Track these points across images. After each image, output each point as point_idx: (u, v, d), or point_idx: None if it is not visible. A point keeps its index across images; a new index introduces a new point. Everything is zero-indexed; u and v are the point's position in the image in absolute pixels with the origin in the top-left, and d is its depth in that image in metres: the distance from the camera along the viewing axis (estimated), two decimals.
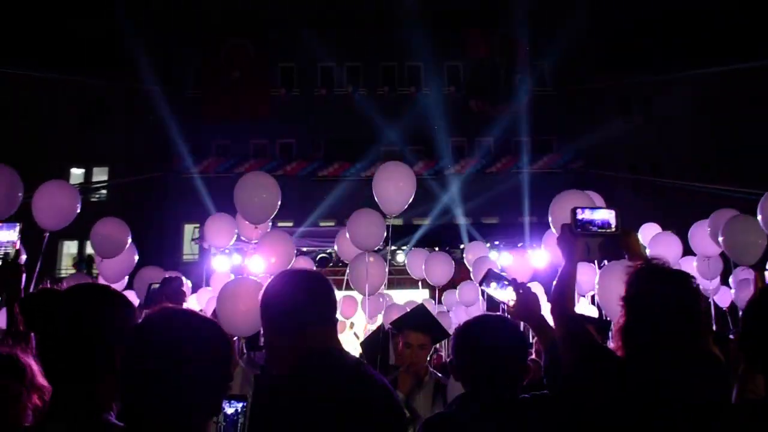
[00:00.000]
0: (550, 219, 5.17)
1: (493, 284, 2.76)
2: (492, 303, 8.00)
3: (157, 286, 5.02)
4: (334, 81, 25.84)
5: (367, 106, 23.46)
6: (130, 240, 6.21)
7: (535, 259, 8.58)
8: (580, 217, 2.56)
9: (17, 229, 2.92)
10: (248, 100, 24.37)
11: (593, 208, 2.61)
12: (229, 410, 1.59)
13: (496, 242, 15.60)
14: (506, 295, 2.70)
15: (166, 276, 5.34)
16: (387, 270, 6.70)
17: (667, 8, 24.28)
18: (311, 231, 13.06)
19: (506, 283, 2.72)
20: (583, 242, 2.56)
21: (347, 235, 6.37)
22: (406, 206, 6.09)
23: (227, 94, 24.21)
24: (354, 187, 20.37)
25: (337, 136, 24.09)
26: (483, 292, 4.70)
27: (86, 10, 23.69)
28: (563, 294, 2.39)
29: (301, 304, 1.92)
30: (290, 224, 17.38)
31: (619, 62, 24.73)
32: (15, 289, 2.78)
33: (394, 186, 6.02)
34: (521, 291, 2.63)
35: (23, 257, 2.90)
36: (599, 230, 2.54)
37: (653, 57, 23.82)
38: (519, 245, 14.06)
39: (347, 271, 6.60)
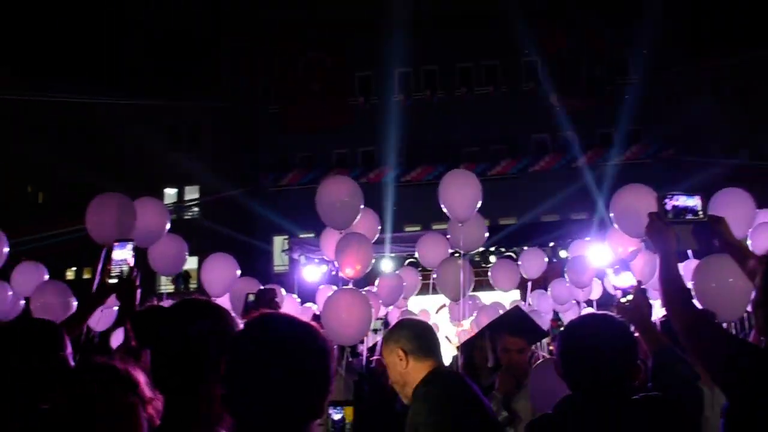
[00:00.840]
0: (611, 215, 4.98)
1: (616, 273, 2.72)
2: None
3: (253, 297, 5.16)
4: (411, 86, 25.91)
5: (446, 109, 23.43)
6: (239, 273, 6.31)
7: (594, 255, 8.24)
8: (669, 204, 2.45)
9: (130, 246, 3.04)
10: (328, 110, 24.84)
11: (679, 194, 2.47)
12: (336, 416, 1.61)
13: (587, 238, 15.16)
14: (624, 281, 2.65)
15: (262, 288, 5.47)
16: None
17: None
18: (396, 237, 13.08)
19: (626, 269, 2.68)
20: (673, 230, 2.45)
21: (449, 236, 6.22)
22: (474, 211, 5.97)
23: (307, 107, 24.72)
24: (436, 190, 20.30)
25: (417, 141, 24.09)
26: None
27: (164, 38, 24.77)
28: (679, 288, 2.25)
29: None
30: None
31: (708, 44, 23.66)
32: (130, 306, 2.89)
33: (460, 193, 5.92)
34: (639, 292, 2.56)
35: (136, 274, 3.02)
36: (688, 217, 2.43)
37: (743, 36, 22.67)
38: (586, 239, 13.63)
39: (433, 275, 6.51)
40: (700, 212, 2.42)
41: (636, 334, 2.47)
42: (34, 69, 24.82)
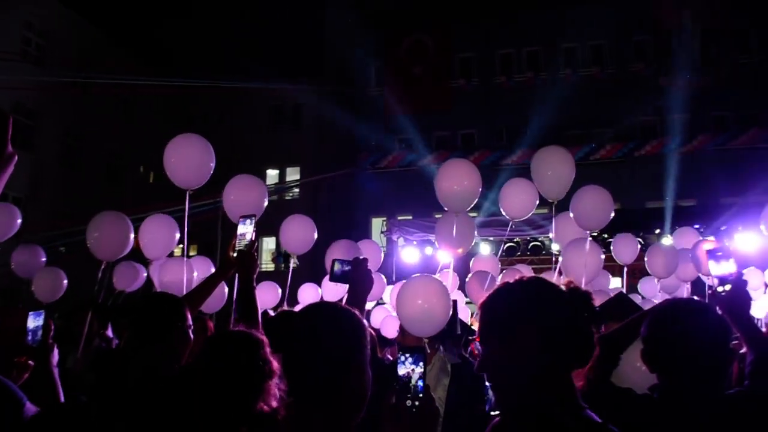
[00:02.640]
0: None
1: (714, 261, 2.60)
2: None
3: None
4: (513, 68, 25.42)
5: (549, 91, 22.82)
6: (315, 236, 6.62)
7: (742, 242, 7.89)
8: None
9: (252, 221, 3.18)
10: (429, 93, 24.80)
11: None
12: (402, 370, 1.62)
13: (696, 226, 14.54)
14: (724, 269, 2.54)
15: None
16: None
17: None
18: (492, 221, 12.94)
19: (727, 258, 2.55)
20: None
21: (571, 215, 6.04)
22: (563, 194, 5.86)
23: (409, 89, 24.73)
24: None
25: (519, 123, 23.63)
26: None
27: (273, 21, 25.39)
28: None
29: None
30: (475, 214, 17.40)
31: None
32: (249, 279, 3.03)
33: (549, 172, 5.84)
34: (738, 282, 2.42)
35: (256, 248, 3.18)
36: None
37: None
38: (722, 228, 13.02)
39: (559, 259, 6.33)
40: None
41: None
42: (143, 55, 26.15)
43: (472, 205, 5.88)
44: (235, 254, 3.11)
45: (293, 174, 27.49)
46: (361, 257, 2.84)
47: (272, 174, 27.31)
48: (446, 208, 5.93)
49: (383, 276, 8.00)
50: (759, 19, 22.77)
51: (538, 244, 13.94)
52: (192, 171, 5.02)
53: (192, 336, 2.73)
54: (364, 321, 1.87)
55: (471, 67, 25.98)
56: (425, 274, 5.56)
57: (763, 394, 2.10)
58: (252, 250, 3.11)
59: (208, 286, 3.37)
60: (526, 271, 9.51)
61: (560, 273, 5.94)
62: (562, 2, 23.68)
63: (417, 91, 24.71)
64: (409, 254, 12.81)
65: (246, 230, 3.13)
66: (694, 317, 2.13)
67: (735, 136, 22.53)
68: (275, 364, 2.13)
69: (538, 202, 6.44)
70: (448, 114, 24.81)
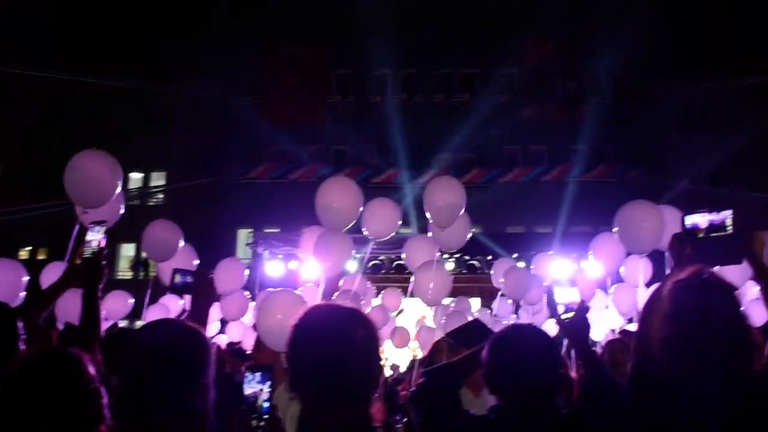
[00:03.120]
0: (615, 229, 5.16)
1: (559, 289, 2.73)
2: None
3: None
4: (388, 88, 25.91)
5: (422, 114, 23.51)
6: (182, 242, 6.20)
7: (590, 269, 8.43)
8: (687, 222, 2.49)
9: (103, 228, 3.01)
10: (305, 106, 24.74)
11: (702, 211, 2.50)
12: (249, 390, 1.60)
13: (550, 252, 15.32)
14: (568, 297, 2.66)
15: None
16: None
17: (729, 17, 23.64)
18: (357, 237, 13.05)
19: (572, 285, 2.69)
20: (694, 248, 2.46)
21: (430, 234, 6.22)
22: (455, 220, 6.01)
23: (284, 100, 24.58)
24: (407, 194, 20.39)
25: (390, 143, 24.11)
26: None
27: (147, 19, 24.44)
28: None
29: None
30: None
31: (680, 71, 24.13)
32: (92, 288, 2.82)
33: (444, 200, 5.94)
34: (581, 310, 2.58)
35: (104, 255, 2.95)
36: (710, 234, 2.43)
37: (715, 65, 23.16)
38: (573, 256, 13.82)
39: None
40: (727, 227, 2.41)
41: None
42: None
43: (350, 225, 5.87)
44: (80, 262, 2.92)
45: (158, 179, 26.47)
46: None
47: (136, 178, 26.15)
48: (325, 226, 5.89)
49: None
50: (607, 62, 24.71)
51: (402, 262, 14.20)
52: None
53: (23, 347, 2.44)
54: (208, 338, 1.80)
55: (348, 84, 26.24)
56: (288, 288, 5.51)
57: (592, 414, 2.24)
58: (99, 257, 2.92)
59: (49, 294, 3.14)
60: (396, 296, 9.70)
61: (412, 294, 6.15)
62: (440, 30, 24.53)
63: (291, 103, 24.59)
64: (273, 268, 12.64)
65: (94, 237, 2.96)
66: (527, 342, 2.26)
67: (589, 168, 24.15)
68: (97, 386, 1.88)
69: (400, 222, 6.57)
70: (322, 128, 24.84)
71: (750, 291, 6.39)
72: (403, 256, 7.72)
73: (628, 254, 6.04)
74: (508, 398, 2.20)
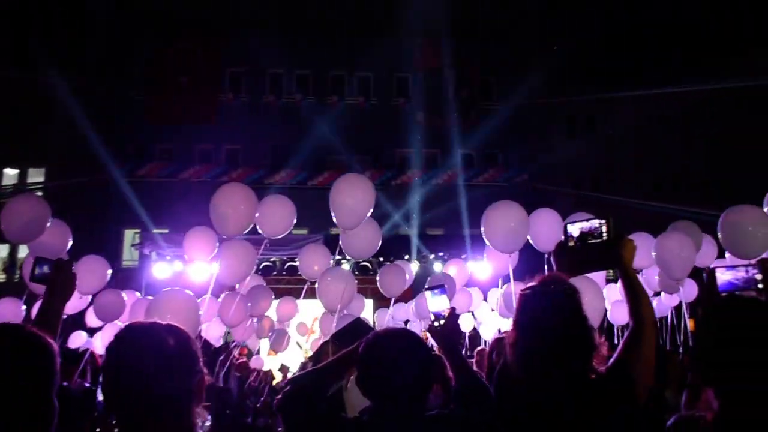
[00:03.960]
0: (482, 230, 5.31)
1: (431, 293, 2.75)
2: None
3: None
4: (282, 88, 25.62)
5: (315, 115, 23.41)
6: (49, 222, 5.56)
7: (477, 270, 8.68)
8: (569, 229, 2.56)
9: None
10: (195, 104, 24.02)
11: (582, 219, 2.57)
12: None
13: (440, 253, 15.72)
14: (440, 305, 2.71)
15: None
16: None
17: (613, 30, 24.99)
18: (250, 238, 12.85)
19: (441, 293, 2.73)
20: (576, 255, 2.55)
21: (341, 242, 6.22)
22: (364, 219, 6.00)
23: (174, 98, 23.80)
24: (301, 196, 20.19)
25: (284, 144, 23.88)
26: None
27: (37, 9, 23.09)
28: None
29: None
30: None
31: (567, 80, 25.28)
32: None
33: (352, 199, 5.93)
34: (451, 317, 2.64)
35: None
36: (588, 241, 2.51)
37: (600, 76, 24.41)
38: (462, 257, 14.21)
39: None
40: (603, 235, 2.49)
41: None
42: None
43: (246, 230, 5.78)
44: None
45: (36, 176, 24.96)
46: (66, 259, 2.52)
47: (10, 174, 24.58)
48: (220, 233, 5.78)
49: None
50: (500, 70, 25.62)
51: (295, 265, 14.09)
52: None
53: None
54: (53, 344, 1.64)
55: (240, 83, 25.71)
56: (178, 288, 5.35)
57: (460, 417, 2.30)
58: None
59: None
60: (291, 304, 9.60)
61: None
62: (335, 32, 24.52)
63: (181, 101, 23.84)
64: (160, 269, 12.25)
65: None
66: (395, 344, 2.30)
67: (478, 173, 24.84)
68: None
69: (295, 221, 6.53)
70: (213, 128, 24.21)
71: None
72: (297, 263, 7.69)
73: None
74: (378, 400, 2.23)
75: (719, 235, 5.55)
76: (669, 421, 2.11)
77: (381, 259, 15.84)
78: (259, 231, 6.51)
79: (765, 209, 5.36)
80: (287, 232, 6.67)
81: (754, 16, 26.27)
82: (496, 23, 25.32)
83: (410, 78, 25.75)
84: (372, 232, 6.21)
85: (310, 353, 9.72)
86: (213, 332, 8.75)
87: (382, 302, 14.01)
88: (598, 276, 5.75)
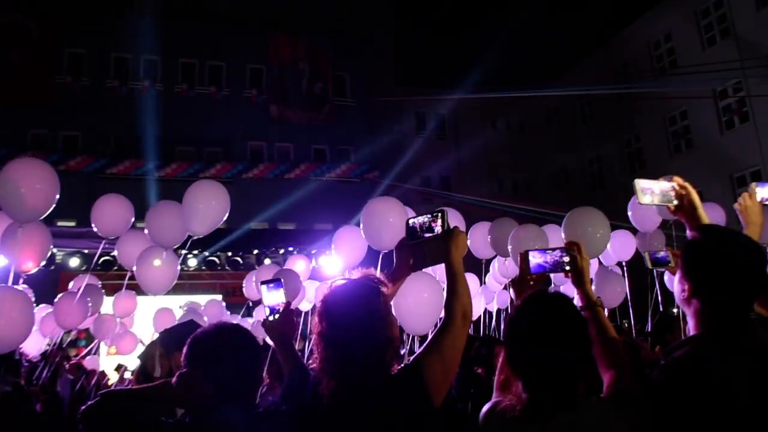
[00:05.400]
0: (360, 224, 5.38)
1: (266, 287, 2.75)
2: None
3: None
4: (129, 73, 24.16)
5: (164, 103, 22.41)
6: None
7: (327, 265, 8.72)
8: (410, 223, 2.56)
9: None
10: (28, 85, 22.12)
11: (422, 214, 2.58)
12: None
13: (291, 248, 15.68)
14: (275, 299, 2.71)
15: None
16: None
17: (462, 36, 26.04)
18: (86, 232, 12.15)
19: (277, 287, 2.73)
20: (412, 250, 2.57)
21: (146, 231, 5.96)
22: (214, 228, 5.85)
23: (2, 77, 21.82)
24: (146, 187, 19.32)
25: (128, 132, 22.61)
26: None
27: None
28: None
29: None
30: (72, 223, 16.10)
31: (418, 80, 26.08)
32: None
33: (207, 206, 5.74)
34: (286, 312, 2.66)
35: None
36: (426, 235, 2.50)
37: (450, 77, 25.39)
38: (313, 251, 14.26)
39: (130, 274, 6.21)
40: (436, 229, 2.48)
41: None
42: None
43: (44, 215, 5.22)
44: None
45: None
46: None
47: None
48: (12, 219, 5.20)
49: None
50: (354, 68, 25.91)
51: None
52: None
53: None
54: None
55: (81, 65, 23.94)
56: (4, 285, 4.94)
57: (286, 414, 2.29)
58: None
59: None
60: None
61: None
62: (188, 18, 23.66)
63: (11, 81, 21.89)
64: None
65: None
66: (223, 339, 2.28)
67: (331, 168, 24.93)
68: None
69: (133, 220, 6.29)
70: (49, 111, 22.35)
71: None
72: (115, 252, 7.30)
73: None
74: (206, 397, 2.19)
75: (563, 235, 5.90)
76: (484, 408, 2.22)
77: (230, 254, 15.57)
78: (95, 229, 6.19)
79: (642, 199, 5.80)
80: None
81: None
82: (352, 19, 25.57)
83: (264, 70, 25.33)
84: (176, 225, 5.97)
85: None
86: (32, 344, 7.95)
87: (231, 297, 13.78)
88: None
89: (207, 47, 24.22)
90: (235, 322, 2.64)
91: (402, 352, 7.49)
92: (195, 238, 5.92)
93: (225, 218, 5.77)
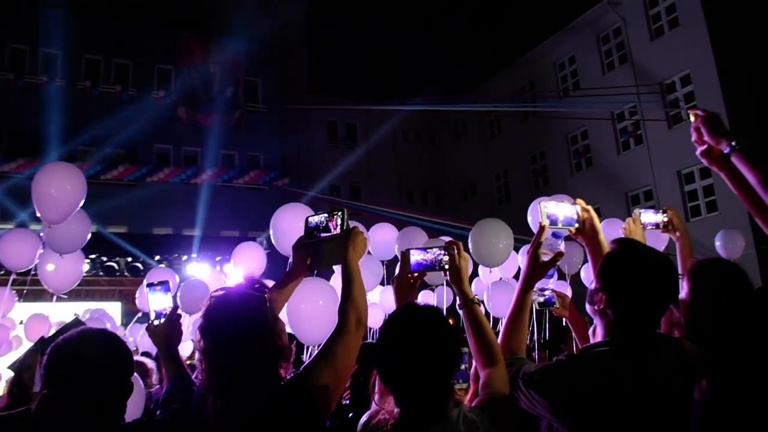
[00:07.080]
0: (271, 233, 5.26)
1: (151, 290, 2.69)
2: None
3: None
4: (26, 66, 22.82)
5: (65, 100, 21.32)
6: None
7: (230, 272, 8.54)
8: (309, 221, 2.53)
9: None
10: None
11: (319, 213, 2.55)
12: None
13: (194, 255, 15.35)
14: (161, 303, 2.65)
15: None
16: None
17: (379, 48, 26.30)
18: None
19: (165, 291, 2.67)
20: (309, 250, 2.54)
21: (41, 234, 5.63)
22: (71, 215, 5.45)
23: None
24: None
25: (23, 129, 21.28)
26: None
27: None
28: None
29: None
30: None
31: (331, 89, 26.12)
32: None
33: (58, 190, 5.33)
34: (172, 319, 2.59)
35: None
36: (323, 235, 2.47)
37: (363, 87, 25.59)
38: (218, 259, 13.96)
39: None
40: (333, 229, 2.45)
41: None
42: None
43: None
44: None
45: None
46: None
47: None
48: None
49: None
50: (266, 74, 25.69)
51: None
52: None
53: None
54: None
55: None
56: None
57: (165, 422, 2.21)
58: None
59: None
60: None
61: None
62: (91, 14, 22.72)
63: None
64: None
65: None
66: (87, 349, 2.11)
67: (239, 174, 24.50)
68: None
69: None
70: None
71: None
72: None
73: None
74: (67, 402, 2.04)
75: (469, 246, 6.02)
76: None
77: (129, 259, 15.07)
78: None
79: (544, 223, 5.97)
80: None
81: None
82: (266, 26, 25.31)
83: (173, 71, 24.62)
84: (81, 226, 5.65)
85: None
86: None
87: (132, 305, 13.26)
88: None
89: (113, 44, 23.33)
90: (102, 327, 2.54)
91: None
92: (88, 240, 5.61)
93: (81, 204, 5.33)
